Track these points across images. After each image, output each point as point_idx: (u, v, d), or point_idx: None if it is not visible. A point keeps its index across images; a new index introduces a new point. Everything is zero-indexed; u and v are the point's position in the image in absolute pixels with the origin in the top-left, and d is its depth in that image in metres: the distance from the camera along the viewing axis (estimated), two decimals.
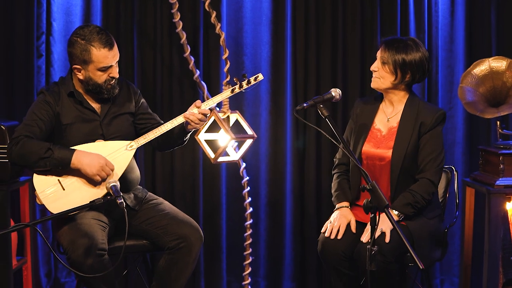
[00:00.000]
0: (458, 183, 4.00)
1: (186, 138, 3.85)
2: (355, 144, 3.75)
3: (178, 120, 3.73)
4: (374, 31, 4.82)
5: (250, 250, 4.65)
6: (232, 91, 3.77)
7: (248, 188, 4.64)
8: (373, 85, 3.71)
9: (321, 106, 3.38)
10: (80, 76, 3.69)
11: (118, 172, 3.66)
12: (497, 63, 4.21)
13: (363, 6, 4.83)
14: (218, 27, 4.40)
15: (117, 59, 3.74)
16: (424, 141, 3.63)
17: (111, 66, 3.70)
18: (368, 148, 3.71)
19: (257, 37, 4.86)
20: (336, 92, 3.50)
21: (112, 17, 4.80)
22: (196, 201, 4.85)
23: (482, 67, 4.24)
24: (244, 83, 3.75)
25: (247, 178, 4.66)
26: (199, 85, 4.64)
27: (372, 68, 3.69)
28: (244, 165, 4.66)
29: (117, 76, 3.73)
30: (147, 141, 3.73)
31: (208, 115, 3.73)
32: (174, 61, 4.81)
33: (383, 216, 3.21)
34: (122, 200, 3.30)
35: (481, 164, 4.36)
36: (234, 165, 4.69)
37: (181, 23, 4.52)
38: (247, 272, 4.66)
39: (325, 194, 4.84)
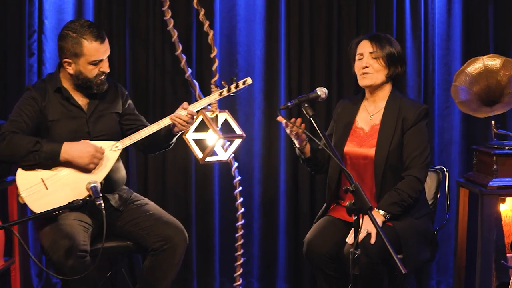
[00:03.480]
0: (450, 184, 3.86)
1: (173, 141, 3.75)
2: (337, 144, 3.64)
3: (165, 121, 3.63)
4: (369, 30, 4.70)
5: (242, 251, 4.54)
6: (220, 94, 3.69)
7: (240, 188, 4.53)
8: (367, 82, 3.60)
9: (306, 105, 3.27)
10: (70, 70, 3.60)
11: (103, 172, 3.56)
12: (492, 61, 4.09)
13: (359, 4, 4.73)
14: (206, 25, 4.29)
15: (108, 53, 3.66)
16: (407, 137, 3.52)
17: (102, 60, 3.62)
18: (351, 147, 3.60)
19: (250, 35, 4.76)
20: (322, 91, 3.39)
21: (104, 15, 4.70)
22: (188, 200, 4.75)
23: (476, 66, 4.12)
24: (232, 86, 3.67)
25: (239, 178, 4.55)
26: (190, 84, 4.54)
27: (363, 64, 3.57)
28: (236, 164, 4.55)
29: (107, 70, 3.65)
30: (132, 142, 3.63)
31: (195, 117, 3.63)
32: (166, 60, 4.70)
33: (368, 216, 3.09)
34: (101, 202, 3.20)
35: (474, 165, 4.24)
36: (227, 164, 4.58)
37: (172, 21, 4.41)
38: (238, 273, 4.56)
39: (319, 193, 4.75)
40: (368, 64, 3.57)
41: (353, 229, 3.07)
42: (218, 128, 3.87)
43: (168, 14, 4.41)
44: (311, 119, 3.21)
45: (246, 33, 4.76)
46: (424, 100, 4.76)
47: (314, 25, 4.73)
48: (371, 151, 3.53)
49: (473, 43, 4.76)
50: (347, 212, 2.91)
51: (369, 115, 3.64)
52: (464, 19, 4.77)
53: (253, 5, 4.75)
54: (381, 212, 3.43)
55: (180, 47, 4.45)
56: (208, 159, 3.90)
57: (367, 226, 3.30)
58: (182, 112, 3.60)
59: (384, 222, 3.42)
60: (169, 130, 3.66)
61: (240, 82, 3.65)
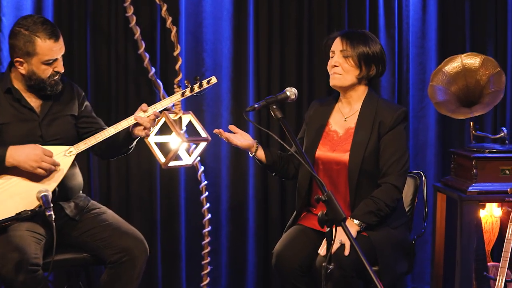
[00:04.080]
0: (427, 189, 3.56)
1: (132, 145, 3.43)
2: (308, 148, 3.34)
3: (123, 124, 3.31)
4: (341, 27, 4.44)
5: (209, 259, 4.26)
6: (183, 94, 3.37)
7: (207, 193, 4.25)
8: (335, 82, 3.30)
9: (274, 107, 2.96)
10: (22, 70, 3.26)
11: (55, 180, 3.22)
12: (470, 60, 3.83)
13: (330, 1, 4.48)
14: (169, 21, 3.98)
15: (63, 52, 3.33)
16: (384, 142, 3.21)
17: (56, 59, 3.29)
18: (323, 152, 3.29)
19: (217, 32, 4.49)
20: (291, 92, 3.08)
21: (65, 11, 4.37)
22: (153, 205, 4.45)
23: (454, 64, 3.87)
24: (195, 86, 3.35)
25: (206, 182, 4.26)
26: (154, 84, 4.22)
27: (333, 63, 3.27)
28: (202, 168, 4.25)
29: (62, 70, 3.32)
30: (88, 147, 3.30)
31: (156, 119, 3.31)
32: (129, 58, 4.40)
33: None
34: (52, 212, 2.87)
35: (453, 169, 3.96)
36: (193, 168, 4.28)
37: (134, 17, 4.11)
38: (205, 282, 4.26)
39: (290, 197, 4.51)
40: (338, 63, 3.27)
41: (325, 240, 2.76)
42: (181, 131, 3.59)
43: (130, 10, 4.10)
44: (280, 121, 2.90)
45: (213, 30, 4.49)
46: (398, 101, 4.54)
47: (284, 22, 4.48)
48: (345, 156, 3.22)
49: (449, 42, 4.58)
50: (318, 223, 2.62)
51: (344, 118, 3.34)
52: (440, 16, 4.57)
53: (220, 1, 4.49)
54: (356, 221, 3.13)
55: (143, 45, 4.15)
56: (172, 163, 3.62)
57: (340, 237, 2.99)
58: (141, 114, 3.26)
59: (358, 232, 3.12)
60: (128, 133, 3.34)
61: (204, 82, 3.34)
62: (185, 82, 3.34)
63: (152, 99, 4.24)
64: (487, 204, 3.87)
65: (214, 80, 3.39)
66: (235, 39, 4.48)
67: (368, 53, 3.22)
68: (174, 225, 4.48)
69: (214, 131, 3.26)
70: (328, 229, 2.64)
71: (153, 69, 4.20)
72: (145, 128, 3.28)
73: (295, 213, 3.43)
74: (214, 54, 4.49)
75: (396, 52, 4.51)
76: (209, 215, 4.25)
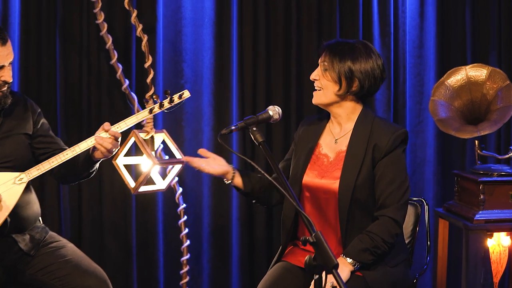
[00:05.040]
0: (429, 219, 3.02)
1: (94, 168, 2.91)
2: (295, 173, 2.82)
3: (82, 146, 2.79)
4: (332, 36, 4.00)
5: None
6: (151, 111, 2.86)
7: (185, 217, 3.77)
8: (315, 100, 2.82)
9: (254, 129, 2.45)
10: None
11: (3, 211, 2.69)
12: (476, 72, 3.34)
13: (320, 7, 4.04)
14: (139, 29, 3.47)
15: (11, 59, 2.81)
16: (380, 168, 2.69)
17: (3, 66, 2.77)
18: (311, 178, 2.78)
19: (198, 41, 4.02)
20: (274, 111, 2.57)
21: (32, 18, 3.87)
22: (128, 230, 3.95)
23: (457, 77, 3.38)
24: (165, 102, 2.85)
25: (184, 205, 3.78)
26: (128, 98, 3.72)
27: (312, 76, 2.79)
28: (180, 190, 3.76)
29: (10, 80, 2.80)
30: (41, 173, 2.77)
31: (119, 140, 2.79)
32: (102, 68, 3.90)
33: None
34: None
35: (456, 192, 3.44)
36: (171, 189, 3.81)
37: (105, 24, 3.62)
38: None
39: (277, 220, 4.00)
40: (317, 76, 2.75)
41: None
42: (153, 152, 3.06)
43: (101, 17, 3.60)
44: (260, 146, 2.40)
45: (193, 39, 4.02)
46: (394, 115, 4.10)
47: (270, 29, 4.03)
48: (334, 184, 2.70)
49: (449, 51, 4.16)
50: (305, 269, 2.10)
51: (334, 139, 2.80)
52: (439, 23, 4.15)
53: (201, 7, 4.02)
54: (349, 260, 2.62)
55: (115, 55, 3.67)
56: (142, 189, 3.14)
57: (332, 278, 2.46)
58: (103, 134, 2.74)
59: (352, 272, 2.59)
60: (88, 156, 2.80)
61: (176, 96, 2.84)
62: (154, 97, 2.83)
63: (127, 114, 3.74)
64: (495, 233, 3.34)
65: (186, 94, 2.89)
66: (217, 49, 4.02)
67: (350, 68, 2.69)
68: (151, 251, 3.99)
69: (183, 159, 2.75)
70: (317, 276, 2.13)
71: (127, 81, 3.71)
72: (105, 151, 2.75)
73: (280, 247, 2.89)
74: (195, 64, 4.02)
75: (392, 62, 4.09)
76: (188, 242, 3.78)
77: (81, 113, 3.91)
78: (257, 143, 2.44)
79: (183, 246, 3.75)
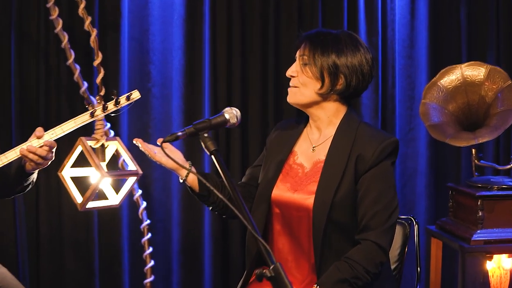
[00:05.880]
0: (419, 240, 2.52)
1: (29, 181, 2.44)
2: (264, 185, 2.35)
3: (9, 156, 2.32)
4: None
5: None
6: (92, 115, 2.38)
7: (149, 235, 3.36)
8: (289, 98, 2.34)
9: (206, 135, 1.96)
10: None
11: None
12: (473, 71, 2.94)
13: (301, 3, 3.68)
14: (88, 22, 3.02)
15: None
16: (364, 184, 2.20)
17: None
18: (281, 191, 2.30)
19: (167, 40, 3.64)
20: (231, 114, 2.10)
21: None
22: (90, 248, 3.54)
23: (452, 77, 2.98)
24: (110, 104, 2.38)
25: (148, 221, 3.36)
26: (87, 101, 3.25)
27: (289, 72, 2.32)
28: (143, 205, 3.33)
29: None
30: None
31: (54, 149, 2.32)
32: (62, 70, 3.50)
33: None
34: None
35: (451, 208, 2.97)
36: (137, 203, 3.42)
37: (60, 21, 3.22)
38: None
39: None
40: (296, 73, 2.26)
41: None
42: (104, 163, 2.61)
43: (55, 13, 3.20)
44: (212, 156, 1.94)
45: (161, 38, 3.63)
46: (383, 122, 3.73)
47: (246, 27, 3.66)
48: (308, 200, 2.21)
49: (442, 51, 3.84)
50: None
51: (312, 146, 2.30)
52: (431, 21, 3.82)
53: (171, 3, 3.64)
54: None
55: (72, 55, 3.24)
56: (91, 204, 2.74)
57: None
58: (35, 142, 2.27)
59: None
60: (21, 167, 2.33)
61: (122, 98, 2.40)
62: (96, 98, 2.37)
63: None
64: (496, 255, 2.85)
65: (136, 95, 2.44)
66: (188, 48, 3.64)
67: (334, 62, 2.21)
68: (115, 271, 3.57)
69: (133, 140, 2.26)
70: None
71: (86, 84, 3.25)
72: (34, 163, 2.28)
73: (245, 273, 2.39)
74: (163, 66, 3.64)
75: (380, 64, 3.75)
76: (152, 262, 3.36)
77: (38, 119, 3.51)
78: (208, 153, 1.96)
79: (146, 267, 3.33)
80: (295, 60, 2.34)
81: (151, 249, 3.32)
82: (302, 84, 2.27)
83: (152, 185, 3.56)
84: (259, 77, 3.65)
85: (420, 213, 3.71)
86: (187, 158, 2.35)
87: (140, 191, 3.29)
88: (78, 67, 3.25)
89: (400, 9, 3.77)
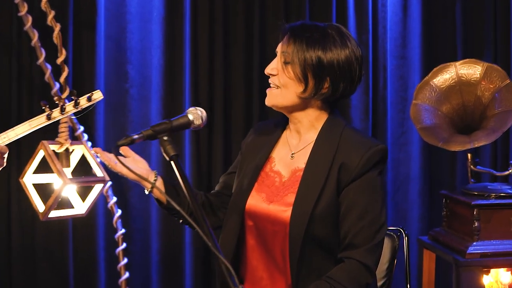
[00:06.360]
0: (409, 254, 2.26)
1: None
2: (237, 194, 2.09)
3: None
4: None
5: None
6: (49, 117, 2.12)
7: (124, 244, 3.16)
8: (269, 101, 2.05)
9: (166, 139, 1.71)
10: None
11: None
12: (468, 70, 2.72)
13: (287, 1, 3.48)
14: (51, 16, 2.76)
15: None
16: (348, 196, 1.94)
17: None
18: (256, 202, 2.04)
19: (146, 39, 3.41)
20: (195, 114, 1.85)
21: None
22: (65, 257, 3.30)
23: (446, 76, 2.76)
24: (68, 106, 2.12)
25: (123, 231, 3.14)
26: (44, 103, 2.98)
27: (268, 70, 2.05)
28: (118, 213, 3.11)
29: None
30: None
31: (5, 155, 2.08)
32: (34, 70, 3.26)
33: None
34: None
35: (445, 217, 2.72)
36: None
37: (29, 17, 2.99)
38: None
39: None
40: (275, 71, 2.00)
41: None
42: (68, 169, 2.38)
43: (24, 9, 2.98)
44: (172, 161, 1.72)
45: (140, 37, 3.41)
46: (373, 125, 3.50)
47: (229, 24, 3.45)
48: (285, 213, 1.96)
49: (436, 51, 3.62)
50: None
51: (290, 153, 2.04)
52: (425, 18, 3.60)
53: (149, 0, 3.41)
54: None
55: (43, 54, 3.01)
56: (54, 214, 2.51)
57: None
58: None
59: None
60: None
61: (83, 99, 2.15)
62: (55, 99, 2.12)
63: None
64: (493, 268, 2.59)
65: (98, 95, 2.18)
66: (168, 47, 3.42)
67: (321, 63, 1.94)
68: (91, 283, 3.34)
69: (92, 149, 2.01)
70: None
71: (57, 85, 2.99)
72: None
73: None
74: (142, 66, 3.41)
75: (370, 64, 3.53)
76: (127, 274, 3.13)
77: (9, 121, 3.25)
78: (167, 158, 1.71)
79: (120, 279, 3.09)
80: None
81: (126, 260, 3.07)
82: (282, 85, 1.99)
83: (129, 192, 3.34)
84: (243, 76, 3.44)
85: (413, 221, 3.49)
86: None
87: (115, 198, 3.05)
88: (49, 66, 3.00)
89: (392, 6, 3.57)
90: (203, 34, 3.40)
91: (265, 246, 2.00)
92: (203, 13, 3.39)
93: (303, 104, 2.00)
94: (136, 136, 1.73)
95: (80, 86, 3.28)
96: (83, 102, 2.15)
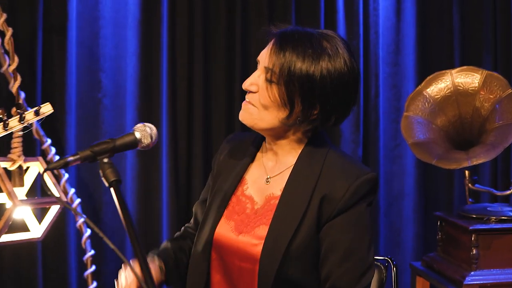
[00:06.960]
0: (397, 285, 1.96)
1: None
2: (205, 222, 1.77)
3: None
4: None
5: None
6: (5, 126, 1.84)
7: (93, 267, 2.78)
8: (243, 118, 1.72)
9: (106, 161, 1.44)
10: None
11: None
12: (466, 78, 2.47)
13: (272, 2, 3.22)
14: (2, 20, 2.45)
15: None
16: (331, 233, 1.62)
17: None
18: (224, 231, 1.73)
19: (120, 45, 3.16)
20: (144, 132, 1.58)
21: None
22: (33, 279, 3.01)
23: (441, 85, 2.53)
24: (12, 121, 1.83)
25: (92, 252, 2.85)
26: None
27: (247, 86, 1.69)
28: (87, 233, 2.81)
29: None
30: None
31: None
32: (1, 79, 2.95)
33: None
34: None
35: (440, 242, 2.44)
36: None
37: None
38: None
39: None
40: (255, 87, 1.68)
41: None
42: (22, 188, 2.09)
43: None
44: (111, 188, 1.43)
45: (114, 43, 3.16)
46: (365, 137, 3.25)
47: (209, 27, 3.20)
48: (256, 248, 1.66)
49: (432, 58, 3.40)
50: None
51: (266, 177, 1.73)
52: (419, 24, 3.37)
53: (124, 3, 3.15)
54: None
55: (6, 61, 2.74)
56: (5, 238, 2.21)
57: None
58: None
59: None
60: None
61: (29, 113, 1.93)
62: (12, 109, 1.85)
63: (30, 135, 2.86)
64: None
65: (47, 109, 1.93)
66: (145, 55, 3.15)
67: (313, 85, 1.60)
68: None
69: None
70: None
71: (23, 94, 2.72)
72: None
73: None
74: (116, 74, 3.16)
75: (361, 72, 3.26)
76: None
77: None
78: (106, 184, 1.42)
79: None
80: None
81: (95, 284, 2.80)
82: (262, 105, 1.65)
83: (102, 210, 3.06)
84: (224, 84, 3.17)
85: (407, 241, 3.23)
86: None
87: (82, 219, 2.77)
88: (12, 75, 2.74)
89: (385, 10, 3.30)
90: (182, 39, 3.14)
91: (231, 284, 1.70)
92: (182, 17, 3.12)
93: (284, 128, 1.68)
94: (71, 158, 1.44)
95: (50, 96, 3.03)
96: (30, 116, 1.87)
